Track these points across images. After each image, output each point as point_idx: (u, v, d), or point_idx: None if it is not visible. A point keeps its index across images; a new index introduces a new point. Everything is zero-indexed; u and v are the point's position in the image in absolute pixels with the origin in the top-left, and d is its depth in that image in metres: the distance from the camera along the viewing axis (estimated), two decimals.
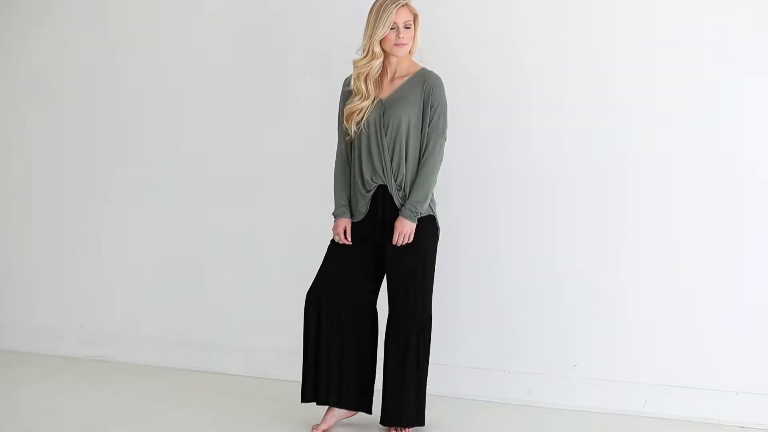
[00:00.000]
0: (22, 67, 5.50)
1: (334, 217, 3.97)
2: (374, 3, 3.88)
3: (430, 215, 3.92)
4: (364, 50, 3.89)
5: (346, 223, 3.94)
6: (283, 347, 4.82)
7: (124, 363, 5.15)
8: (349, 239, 3.93)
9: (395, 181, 3.88)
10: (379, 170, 3.89)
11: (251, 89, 4.96)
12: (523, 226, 4.45)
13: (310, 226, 4.73)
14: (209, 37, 5.06)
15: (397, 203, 3.89)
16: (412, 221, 3.85)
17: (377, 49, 3.86)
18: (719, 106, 4.15)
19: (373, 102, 3.90)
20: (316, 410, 4.14)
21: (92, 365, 5.13)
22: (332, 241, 4.00)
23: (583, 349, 4.35)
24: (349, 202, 3.98)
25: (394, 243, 3.86)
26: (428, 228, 3.92)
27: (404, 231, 3.84)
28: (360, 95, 3.90)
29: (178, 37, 5.14)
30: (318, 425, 3.96)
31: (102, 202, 5.32)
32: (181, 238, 5.15)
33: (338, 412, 3.99)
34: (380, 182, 3.90)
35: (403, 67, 3.94)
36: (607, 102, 4.31)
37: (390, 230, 3.89)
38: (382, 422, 3.95)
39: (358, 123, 3.90)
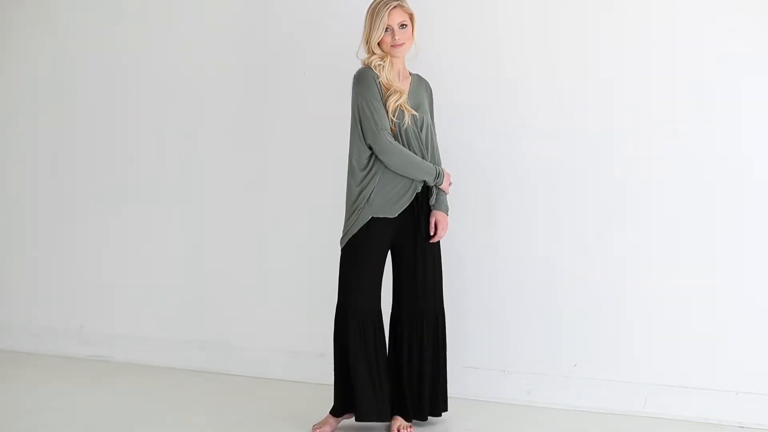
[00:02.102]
0: (22, 67, 5.51)
1: (443, 174, 3.97)
2: (370, 5, 3.89)
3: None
4: (366, 51, 3.90)
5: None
6: (283, 347, 4.83)
7: (124, 363, 5.15)
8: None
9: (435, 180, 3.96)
10: None
11: (251, 89, 4.96)
12: (523, 226, 4.45)
13: (311, 226, 4.74)
14: (209, 38, 5.06)
15: (431, 200, 3.95)
16: (447, 214, 4.00)
17: (378, 51, 3.88)
18: (718, 106, 4.14)
19: (403, 97, 3.89)
20: (316, 411, 4.14)
21: (92, 365, 5.13)
22: (357, 244, 3.87)
23: (583, 349, 4.35)
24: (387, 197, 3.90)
25: (438, 238, 3.95)
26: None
27: (446, 226, 3.96)
28: (392, 90, 3.86)
29: (178, 37, 5.14)
30: (320, 426, 3.95)
31: (102, 202, 5.32)
32: (181, 238, 5.15)
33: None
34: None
35: (402, 67, 3.98)
36: (607, 103, 4.31)
37: (420, 227, 3.93)
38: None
39: (397, 117, 3.86)
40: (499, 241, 4.49)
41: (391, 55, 3.88)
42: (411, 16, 3.90)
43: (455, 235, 4.50)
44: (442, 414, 4.03)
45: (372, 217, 3.83)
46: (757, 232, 4.10)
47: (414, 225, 3.93)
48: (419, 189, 3.90)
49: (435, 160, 3.98)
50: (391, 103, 3.83)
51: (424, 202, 3.94)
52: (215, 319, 5.06)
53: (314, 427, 3.95)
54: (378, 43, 3.87)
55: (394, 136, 3.84)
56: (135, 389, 4.62)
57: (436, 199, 3.95)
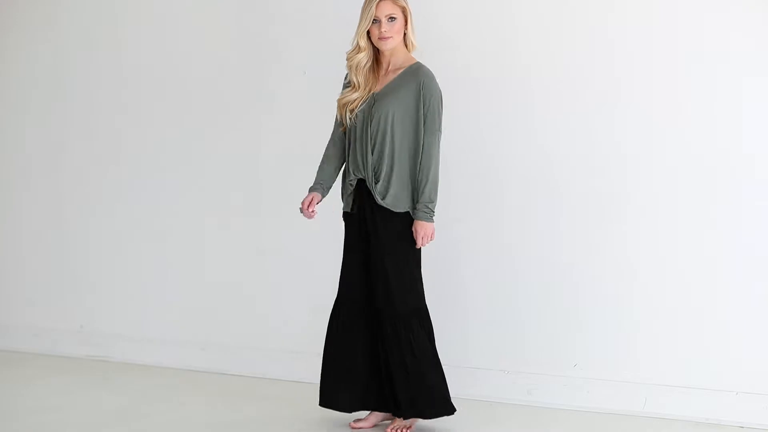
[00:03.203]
0: (22, 67, 5.51)
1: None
2: None
3: (407, 211, 3.88)
4: (352, 43, 3.90)
5: (313, 195, 3.96)
6: (283, 347, 4.83)
7: (124, 363, 5.15)
8: (312, 210, 3.93)
9: (373, 175, 3.86)
10: (360, 163, 3.88)
11: (251, 89, 4.96)
12: (523, 226, 4.45)
13: (311, 226, 4.73)
14: (209, 37, 5.06)
15: (376, 198, 3.85)
16: (429, 221, 3.86)
17: (363, 42, 3.87)
18: (719, 105, 4.14)
19: (367, 94, 3.90)
20: (316, 411, 4.14)
21: (92, 365, 5.13)
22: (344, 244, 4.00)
23: (583, 349, 4.34)
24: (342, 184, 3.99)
25: (417, 246, 3.88)
26: (408, 224, 3.88)
27: (426, 233, 3.86)
28: (352, 86, 3.92)
29: (178, 37, 5.14)
30: (360, 422, 3.97)
31: (102, 202, 5.32)
32: (181, 237, 5.15)
33: (378, 415, 4.00)
34: (360, 176, 3.89)
35: (398, 60, 3.91)
36: (609, 101, 4.31)
37: (373, 226, 3.88)
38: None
39: (350, 114, 3.91)
40: (500, 241, 4.48)
41: (379, 48, 3.88)
42: (404, 10, 3.86)
43: (456, 235, 4.51)
44: (434, 418, 3.91)
45: (343, 210, 3.98)
46: (757, 232, 4.09)
47: (370, 225, 3.90)
48: (354, 186, 3.90)
49: (386, 156, 3.84)
50: (339, 102, 3.95)
51: (370, 203, 3.87)
52: (215, 319, 5.06)
53: (353, 424, 3.98)
54: (369, 36, 3.86)
55: (345, 133, 3.97)
56: (135, 389, 4.62)
57: (414, 208, 3.89)
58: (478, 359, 4.50)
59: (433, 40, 4.39)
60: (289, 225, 4.88)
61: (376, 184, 3.86)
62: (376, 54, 3.93)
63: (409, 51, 3.95)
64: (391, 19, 3.83)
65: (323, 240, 4.60)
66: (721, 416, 4.09)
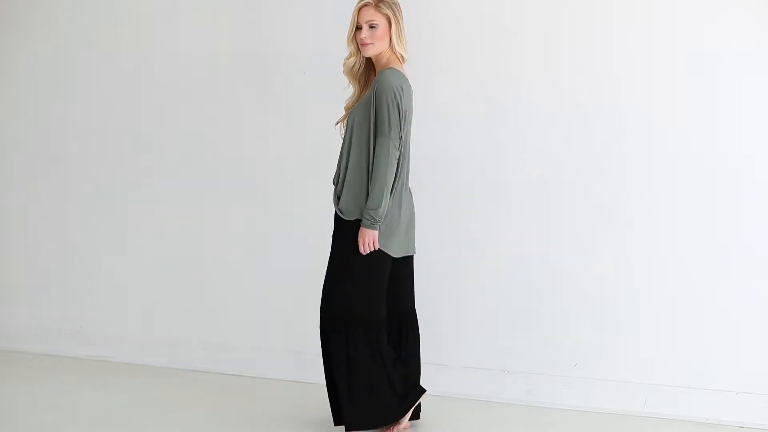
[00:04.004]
0: (22, 67, 5.50)
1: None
2: None
3: (358, 219, 3.81)
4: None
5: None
6: (283, 347, 4.82)
7: (124, 363, 5.15)
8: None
9: (337, 181, 3.89)
10: (336, 169, 3.93)
11: (251, 89, 4.96)
12: (522, 226, 4.45)
13: (311, 226, 4.73)
14: (209, 37, 5.06)
15: (335, 207, 3.87)
16: (370, 228, 3.75)
17: (352, 47, 3.87)
18: (719, 105, 4.14)
19: (356, 101, 3.92)
20: (316, 411, 4.13)
21: (92, 365, 5.12)
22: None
23: (583, 349, 4.34)
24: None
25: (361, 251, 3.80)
26: (355, 232, 3.81)
27: (363, 239, 3.77)
28: (353, 92, 3.96)
29: (178, 37, 5.13)
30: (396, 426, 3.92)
31: (102, 202, 5.32)
32: (181, 238, 5.15)
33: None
34: (335, 182, 3.93)
35: (381, 66, 3.86)
36: (607, 103, 4.31)
37: (336, 233, 3.90)
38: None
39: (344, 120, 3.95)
40: (499, 241, 4.48)
41: (362, 54, 3.87)
42: (388, 18, 3.80)
43: (455, 235, 4.51)
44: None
45: None
46: (757, 232, 4.10)
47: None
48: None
49: (344, 163, 3.84)
50: (345, 109, 3.97)
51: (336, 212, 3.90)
52: (215, 319, 5.06)
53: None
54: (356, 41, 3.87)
55: None
56: (135, 389, 4.62)
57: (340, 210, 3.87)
58: (478, 359, 4.50)
59: (430, 40, 4.39)
60: (291, 225, 4.88)
61: (335, 189, 3.89)
62: (371, 60, 3.91)
63: (403, 61, 3.88)
64: (372, 26, 3.80)
65: (323, 240, 4.59)
66: (721, 416, 4.10)
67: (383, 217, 3.76)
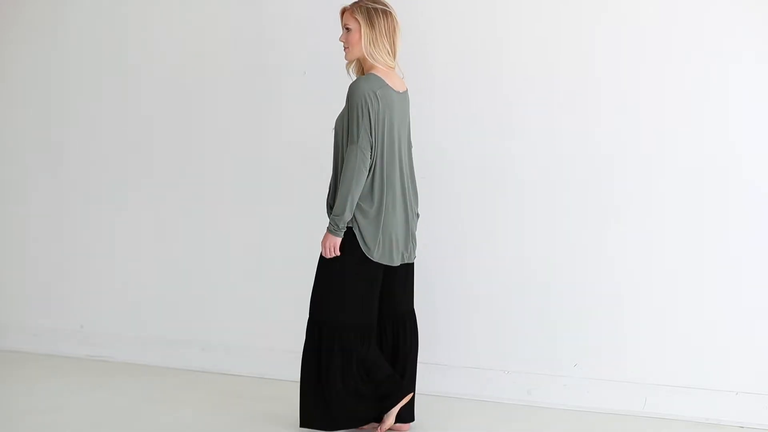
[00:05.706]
0: (22, 66, 5.50)
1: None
2: None
3: (347, 227, 3.79)
4: None
5: None
6: (283, 347, 4.82)
7: (124, 363, 5.15)
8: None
9: (329, 193, 3.93)
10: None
11: (251, 89, 4.96)
12: (522, 226, 4.45)
13: (311, 226, 4.73)
14: (209, 37, 5.05)
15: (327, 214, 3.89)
16: (332, 234, 3.76)
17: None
18: (710, 106, 4.15)
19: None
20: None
21: (92, 365, 5.13)
22: None
23: (583, 349, 4.35)
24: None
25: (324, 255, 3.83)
26: (344, 240, 3.80)
27: (325, 244, 3.79)
28: None
29: (178, 37, 5.14)
30: (381, 426, 3.91)
31: (102, 202, 5.32)
32: (181, 238, 5.15)
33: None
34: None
35: (366, 71, 3.87)
36: (604, 103, 4.31)
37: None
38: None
39: None
40: (499, 241, 4.48)
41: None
42: (359, 23, 3.79)
43: (455, 235, 4.51)
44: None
45: None
46: (757, 232, 4.10)
47: None
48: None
49: (333, 174, 3.89)
50: None
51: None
52: (215, 319, 5.06)
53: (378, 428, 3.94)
54: None
55: None
56: (135, 389, 4.62)
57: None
58: (478, 359, 4.50)
59: (428, 40, 4.39)
60: (290, 225, 4.88)
61: (327, 197, 3.93)
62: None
63: (393, 68, 3.85)
64: (347, 29, 3.84)
65: None
66: (721, 416, 4.10)
67: (346, 223, 3.75)
